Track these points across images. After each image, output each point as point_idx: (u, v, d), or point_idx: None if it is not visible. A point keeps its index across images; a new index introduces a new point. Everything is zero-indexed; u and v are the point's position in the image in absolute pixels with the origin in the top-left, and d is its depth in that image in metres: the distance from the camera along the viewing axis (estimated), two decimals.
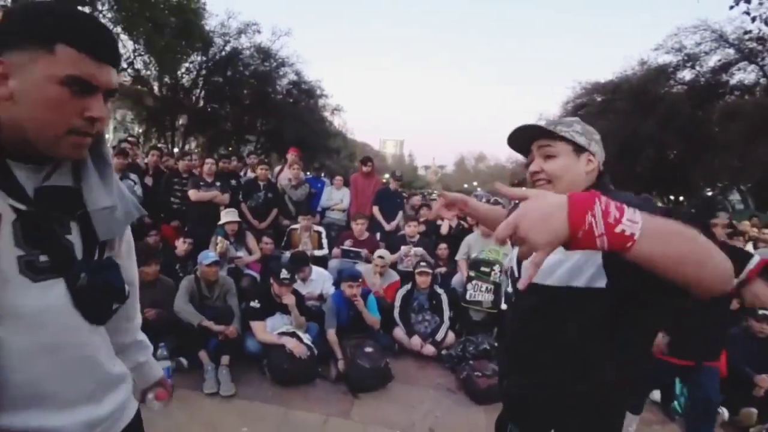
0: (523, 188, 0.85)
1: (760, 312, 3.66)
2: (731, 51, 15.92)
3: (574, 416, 1.12)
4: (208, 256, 3.66)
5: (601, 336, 1.04)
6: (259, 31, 18.35)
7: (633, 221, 0.70)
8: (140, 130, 19.73)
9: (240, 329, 3.46)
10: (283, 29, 19.13)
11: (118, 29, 13.56)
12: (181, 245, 4.28)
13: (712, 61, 16.58)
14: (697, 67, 17.04)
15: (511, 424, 1.29)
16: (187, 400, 2.92)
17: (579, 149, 1.17)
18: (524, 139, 1.22)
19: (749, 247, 5.70)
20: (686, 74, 17.54)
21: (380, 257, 4.45)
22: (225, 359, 3.23)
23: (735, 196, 21.21)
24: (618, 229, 0.69)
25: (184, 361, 3.32)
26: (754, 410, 3.23)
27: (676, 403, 3.48)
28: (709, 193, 21.49)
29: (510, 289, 1.28)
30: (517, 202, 0.96)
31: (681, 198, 20.48)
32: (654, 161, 18.59)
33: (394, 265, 4.82)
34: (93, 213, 0.80)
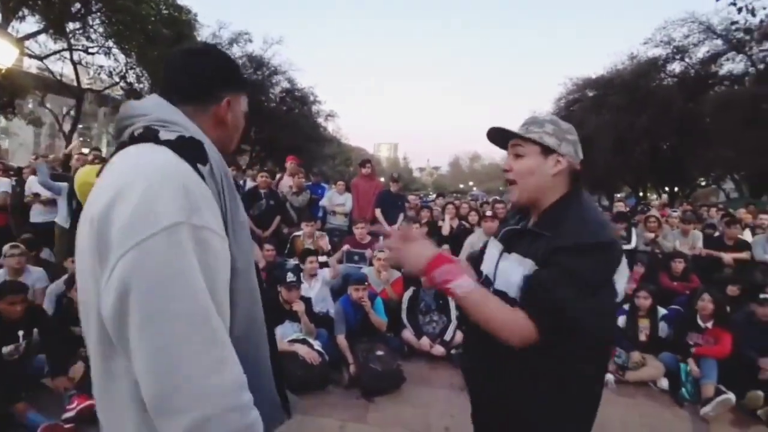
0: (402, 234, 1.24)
1: (761, 296, 3.73)
2: (719, 42, 16.13)
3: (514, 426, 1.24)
4: None
5: (545, 351, 1.12)
6: (250, 41, 18.41)
7: (461, 287, 1.13)
8: None
9: None
10: (275, 37, 19.22)
11: (110, 43, 13.56)
12: None
13: (701, 52, 16.83)
14: (687, 59, 17.26)
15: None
16: None
17: (547, 150, 1.21)
18: (502, 135, 1.29)
19: (747, 234, 5.77)
20: (676, 67, 17.76)
21: (381, 251, 4.42)
22: None
23: (729, 185, 21.40)
24: (448, 286, 1.14)
25: None
26: (761, 393, 3.28)
27: (683, 389, 3.52)
28: (703, 184, 21.64)
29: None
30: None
31: (676, 189, 20.62)
32: (649, 154, 18.75)
33: (398, 268, 4.84)
34: None
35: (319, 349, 3.45)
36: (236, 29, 18.17)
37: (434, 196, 11.01)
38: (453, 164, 71.94)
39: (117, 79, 15.42)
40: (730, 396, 3.27)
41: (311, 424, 2.86)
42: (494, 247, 1.35)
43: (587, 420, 1.22)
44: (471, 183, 59.61)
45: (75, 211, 4.79)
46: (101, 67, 14.82)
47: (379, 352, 3.46)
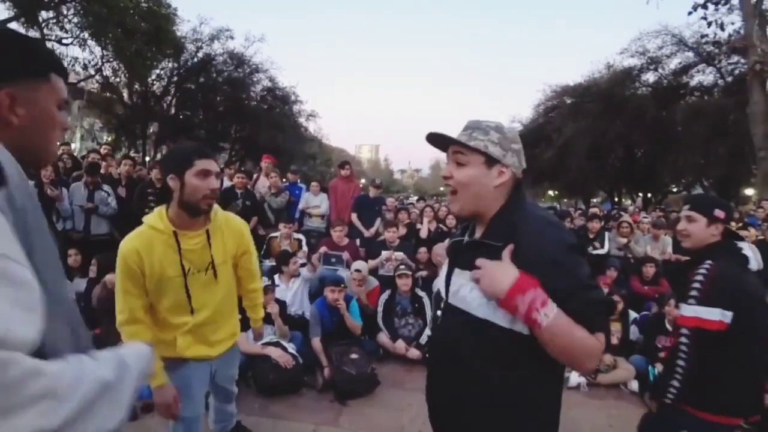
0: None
1: None
2: (690, 54, 16.70)
3: None
4: None
5: (507, 368, 1.12)
6: (232, 37, 18.08)
7: (546, 314, 1.02)
8: (109, 139, 19.14)
9: None
10: (257, 35, 18.93)
11: (85, 35, 13.14)
12: None
13: (673, 63, 17.38)
14: (660, 70, 17.79)
15: None
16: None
17: (491, 161, 1.15)
18: (443, 140, 1.21)
19: None
20: (650, 76, 18.30)
21: (357, 270, 4.38)
22: None
23: (698, 191, 22.17)
24: (533, 315, 1.02)
25: None
26: None
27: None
28: (674, 190, 22.43)
29: (438, 313, 1.28)
30: None
31: (649, 194, 21.24)
32: (623, 160, 19.28)
33: (375, 271, 4.83)
34: None
35: (293, 352, 3.41)
36: (217, 25, 17.86)
37: (415, 198, 11.08)
38: (434, 167, 72.38)
39: (92, 72, 14.97)
40: None
41: (284, 428, 2.83)
42: (446, 263, 1.31)
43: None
44: None
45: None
46: (75, 59, 14.31)
47: (354, 356, 3.44)
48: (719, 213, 1.77)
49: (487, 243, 1.14)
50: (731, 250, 1.74)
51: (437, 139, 1.22)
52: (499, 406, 1.13)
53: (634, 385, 3.76)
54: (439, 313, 1.26)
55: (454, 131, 1.22)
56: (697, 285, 1.68)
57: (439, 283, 1.30)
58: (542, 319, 1.01)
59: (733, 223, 6.46)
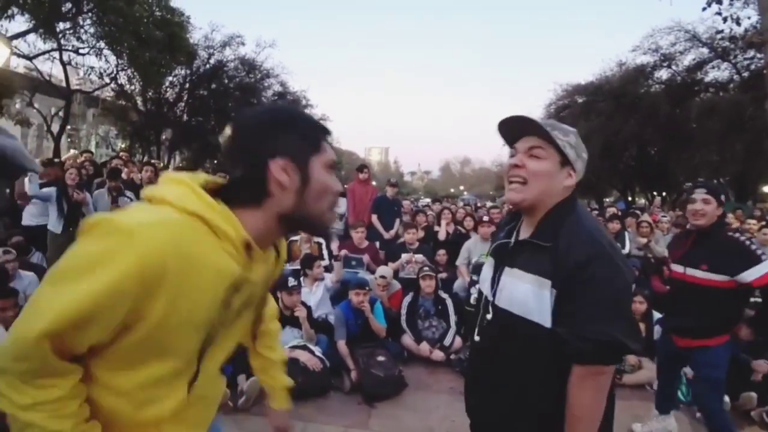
0: None
1: (751, 299, 3.81)
2: (705, 50, 16.49)
3: None
4: None
5: (544, 370, 1.14)
6: (243, 43, 18.36)
7: None
8: (123, 145, 19.46)
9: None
10: (268, 41, 19.17)
11: (101, 44, 13.40)
12: None
13: (687, 60, 17.18)
14: (673, 67, 17.61)
15: None
16: None
17: (565, 161, 1.16)
18: (515, 130, 1.20)
19: None
20: (663, 74, 18.12)
21: (382, 276, 4.39)
22: (242, 379, 3.11)
23: None
24: None
25: None
26: (754, 394, 3.34)
27: (679, 391, 3.58)
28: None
29: (489, 316, 1.26)
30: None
31: (664, 193, 20.99)
32: (636, 159, 19.09)
33: (395, 273, 4.86)
34: None
35: (320, 355, 3.45)
36: (229, 32, 18.10)
37: (427, 200, 11.06)
38: (444, 168, 72.33)
39: (107, 81, 15.27)
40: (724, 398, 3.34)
41: (314, 431, 2.86)
42: (488, 265, 1.32)
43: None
44: (462, 187, 60.01)
45: (67, 214, 4.75)
46: (91, 68, 14.68)
47: (380, 358, 3.47)
48: (723, 198, 2.37)
49: (535, 242, 1.16)
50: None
51: (512, 127, 1.20)
52: (533, 393, 1.16)
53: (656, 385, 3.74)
54: (489, 316, 1.25)
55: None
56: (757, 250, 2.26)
57: (485, 288, 1.30)
58: None
59: (754, 221, 6.38)
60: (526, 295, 1.13)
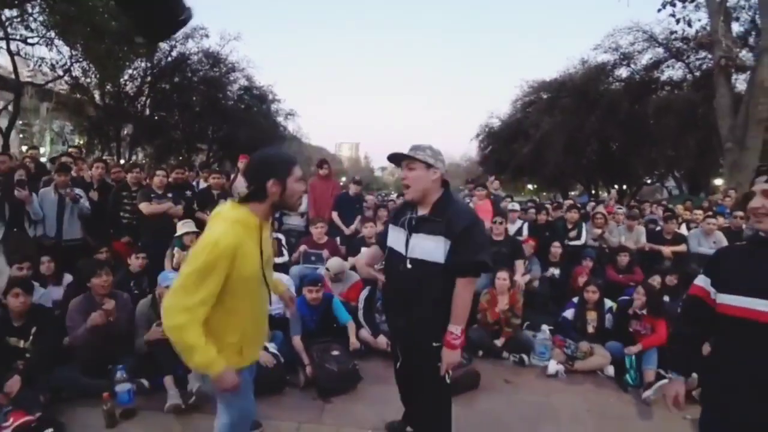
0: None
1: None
2: (661, 50, 17.19)
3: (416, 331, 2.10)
4: (167, 277, 3.52)
5: (441, 285, 1.99)
6: (207, 36, 17.81)
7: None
8: (81, 142, 18.55)
9: None
10: (232, 33, 18.70)
11: (52, 34, 12.68)
12: (135, 261, 4.11)
13: (645, 59, 17.87)
14: (632, 65, 18.27)
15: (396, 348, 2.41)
16: (153, 419, 2.84)
17: (429, 166, 2.02)
18: (398, 158, 2.10)
19: (683, 229, 6.18)
20: (623, 72, 18.77)
21: (327, 269, 4.48)
22: (194, 382, 3.03)
23: (671, 183, 22.85)
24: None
25: (145, 382, 3.18)
26: (695, 375, 3.48)
27: (627, 376, 3.73)
28: (648, 182, 22.98)
29: (408, 265, 2.06)
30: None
31: (624, 186, 21.78)
32: (598, 154, 19.71)
33: (355, 268, 4.82)
34: None
35: (275, 351, 3.40)
36: (192, 24, 17.52)
37: (395, 195, 11.10)
38: None
39: (61, 73, 14.49)
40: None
41: (268, 428, 2.80)
42: (398, 231, 2.13)
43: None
44: None
45: (10, 215, 4.48)
46: (42, 59, 13.80)
47: (335, 352, 3.45)
48: None
49: (431, 218, 2.02)
50: None
51: (394, 158, 2.11)
52: (436, 301, 2.01)
53: (610, 371, 3.88)
54: (407, 264, 2.04)
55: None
56: None
57: (396, 245, 2.13)
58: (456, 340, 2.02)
59: (700, 212, 6.70)
60: (431, 247, 1.99)
